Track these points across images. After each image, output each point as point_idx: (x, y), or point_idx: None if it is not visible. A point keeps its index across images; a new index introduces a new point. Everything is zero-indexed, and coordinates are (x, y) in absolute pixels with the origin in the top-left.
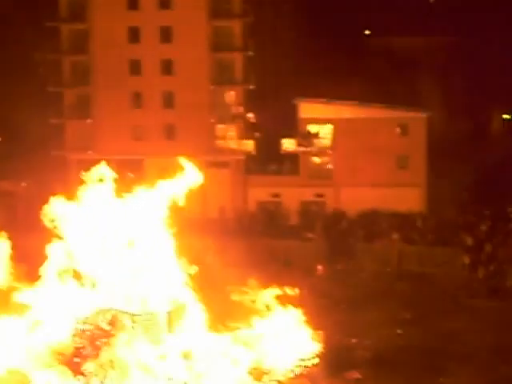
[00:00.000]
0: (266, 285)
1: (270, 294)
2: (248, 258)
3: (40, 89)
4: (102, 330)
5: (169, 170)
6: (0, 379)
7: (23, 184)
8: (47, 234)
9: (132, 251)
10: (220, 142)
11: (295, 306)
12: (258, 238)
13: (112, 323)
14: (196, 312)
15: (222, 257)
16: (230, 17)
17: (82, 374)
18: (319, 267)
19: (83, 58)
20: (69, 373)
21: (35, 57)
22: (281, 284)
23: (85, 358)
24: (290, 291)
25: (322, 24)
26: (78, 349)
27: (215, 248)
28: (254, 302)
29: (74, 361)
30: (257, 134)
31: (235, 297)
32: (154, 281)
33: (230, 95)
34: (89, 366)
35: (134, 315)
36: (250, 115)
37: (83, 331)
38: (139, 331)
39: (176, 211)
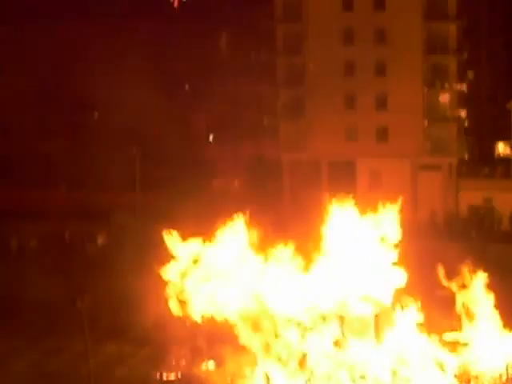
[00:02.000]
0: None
1: (482, 298)
2: (457, 260)
3: (255, 89)
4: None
5: (380, 171)
6: None
7: (236, 182)
8: None
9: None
10: (433, 145)
11: (506, 312)
12: (470, 242)
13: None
14: (404, 316)
15: (433, 260)
16: (445, 19)
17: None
18: None
19: (298, 58)
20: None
21: (251, 56)
22: (493, 290)
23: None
24: (502, 298)
25: None
26: None
27: (427, 251)
28: (464, 305)
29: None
30: (469, 138)
31: (444, 300)
32: (363, 284)
33: (444, 97)
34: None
35: (342, 316)
36: (464, 118)
37: None
38: (347, 333)
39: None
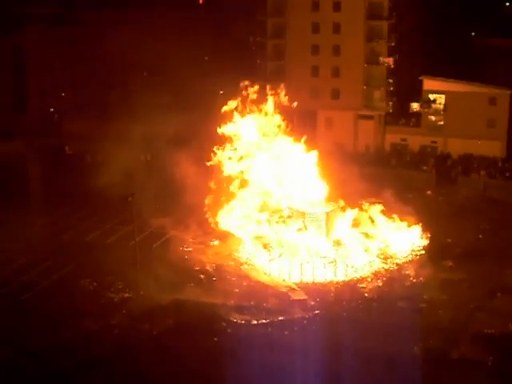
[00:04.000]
0: (390, 198)
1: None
2: (381, 180)
3: (250, 61)
4: (283, 220)
5: (333, 119)
6: None
7: None
8: None
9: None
10: (369, 102)
11: (410, 214)
12: (390, 168)
13: (290, 216)
14: (343, 214)
15: (363, 179)
16: (380, 19)
17: (268, 247)
18: (428, 191)
19: (281, 41)
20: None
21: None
22: (402, 200)
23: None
24: (407, 205)
25: (444, 24)
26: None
27: (359, 173)
28: (381, 208)
29: (265, 241)
30: (394, 98)
31: (366, 204)
32: (318, 191)
33: (377, 71)
34: (272, 244)
35: (304, 213)
36: (390, 84)
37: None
38: (307, 224)
39: (337, 146)
